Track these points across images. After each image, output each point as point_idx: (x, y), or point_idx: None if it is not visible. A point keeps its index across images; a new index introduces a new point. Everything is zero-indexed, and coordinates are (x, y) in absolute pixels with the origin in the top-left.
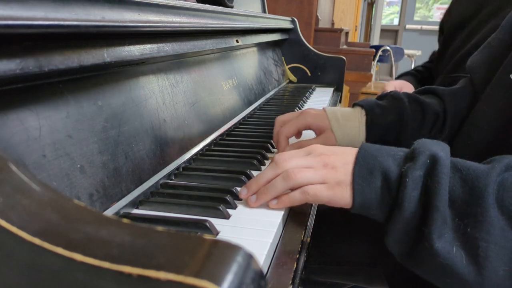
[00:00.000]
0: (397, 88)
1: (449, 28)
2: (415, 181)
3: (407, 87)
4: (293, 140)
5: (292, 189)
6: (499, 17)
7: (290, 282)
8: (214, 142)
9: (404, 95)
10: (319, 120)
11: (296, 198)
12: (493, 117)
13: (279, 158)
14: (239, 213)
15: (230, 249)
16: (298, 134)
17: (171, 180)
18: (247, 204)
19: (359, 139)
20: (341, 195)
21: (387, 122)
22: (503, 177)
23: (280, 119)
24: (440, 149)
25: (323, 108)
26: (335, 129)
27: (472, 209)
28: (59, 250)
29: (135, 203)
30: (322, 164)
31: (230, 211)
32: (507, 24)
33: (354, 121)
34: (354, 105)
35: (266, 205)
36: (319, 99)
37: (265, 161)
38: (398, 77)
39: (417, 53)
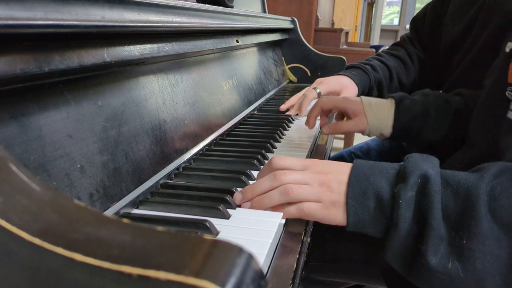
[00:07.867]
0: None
1: (448, 41)
2: (408, 201)
3: (346, 90)
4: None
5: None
6: (491, 28)
7: (290, 282)
8: (214, 142)
9: (432, 92)
10: (355, 105)
11: (291, 213)
12: (486, 134)
13: (276, 164)
14: (239, 213)
15: (230, 249)
16: (326, 114)
17: (171, 180)
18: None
19: (387, 123)
20: (335, 215)
21: (413, 112)
22: (492, 186)
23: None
24: (431, 166)
25: (360, 97)
26: (368, 113)
27: (466, 222)
28: (59, 250)
29: (135, 203)
30: (318, 183)
31: (230, 211)
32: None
33: (385, 108)
34: (387, 97)
35: None
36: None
37: (265, 161)
38: (346, 67)
39: None
